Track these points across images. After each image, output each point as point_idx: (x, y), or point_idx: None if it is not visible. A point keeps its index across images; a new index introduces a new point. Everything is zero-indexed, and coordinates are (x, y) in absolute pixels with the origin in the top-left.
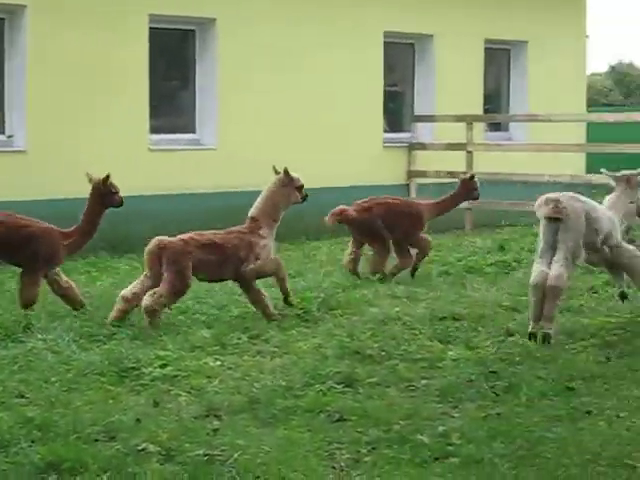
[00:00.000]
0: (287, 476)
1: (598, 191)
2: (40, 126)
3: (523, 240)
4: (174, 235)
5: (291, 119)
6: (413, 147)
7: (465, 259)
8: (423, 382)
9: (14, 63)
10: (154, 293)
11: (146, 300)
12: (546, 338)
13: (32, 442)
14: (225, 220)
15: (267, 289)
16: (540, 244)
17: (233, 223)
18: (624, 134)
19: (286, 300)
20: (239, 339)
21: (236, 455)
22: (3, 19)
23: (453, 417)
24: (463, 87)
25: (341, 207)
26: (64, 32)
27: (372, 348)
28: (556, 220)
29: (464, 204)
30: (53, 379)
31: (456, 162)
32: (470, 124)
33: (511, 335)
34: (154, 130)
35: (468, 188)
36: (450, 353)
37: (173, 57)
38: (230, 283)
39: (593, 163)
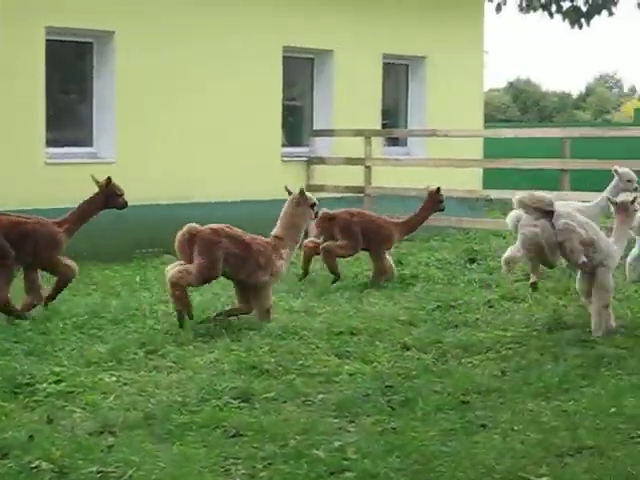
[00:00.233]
0: None
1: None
2: None
3: (420, 254)
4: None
5: (190, 133)
6: (311, 161)
7: (362, 273)
8: (320, 397)
9: None
10: (183, 268)
11: (172, 271)
12: None
13: None
14: (121, 234)
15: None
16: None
17: (129, 237)
18: (521, 150)
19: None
20: (135, 354)
21: (130, 472)
22: None
23: (349, 432)
24: (362, 102)
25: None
26: None
27: (269, 363)
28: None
29: None
30: None
31: (354, 177)
32: (368, 139)
33: (407, 349)
34: (51, 143)
35: (434, 200)
36: (347, 367)
37: (71, 70)
38: (128, 296)
39: (490, 178)
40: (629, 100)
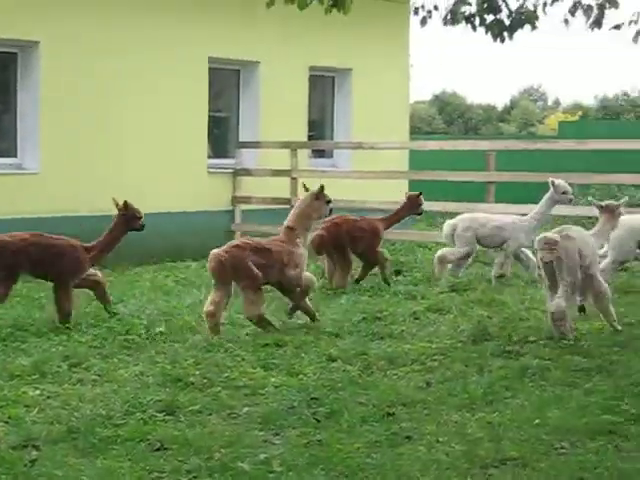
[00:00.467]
0: None
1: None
2: None
3: None
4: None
5: (116, 144)
6: (238, 173)
7: None
8: (245, 409)
9: None
10: (247, 305)
11: (246, 311)
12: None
13: None
14: None
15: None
16: (544, 281)
17: None
18: (446, 162)
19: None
20: (59, 367)
21: None
22: None
23: (274, 444)
24: (288, 114)
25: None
26: None
27: (194, 375)
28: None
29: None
30: None
31: (281, 188)
32: (295, 151)
33: (333, 361)
34: None
35: (413, 204)
36: (272, 380)
37: None
38: (52, 308)
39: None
40: (553, 113)
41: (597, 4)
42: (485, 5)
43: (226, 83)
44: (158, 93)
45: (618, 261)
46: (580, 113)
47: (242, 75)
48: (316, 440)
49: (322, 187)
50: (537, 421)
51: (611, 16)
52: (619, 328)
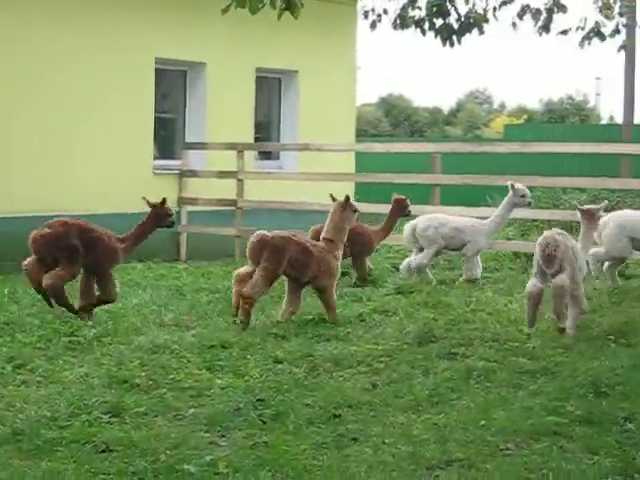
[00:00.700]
0: None
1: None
2: None
3: None
4: None
5: (61, 145)
6: (184, 174)
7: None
8: (191, 411)
9: None
10: (253, 283)
11: (245, 288)
12: (561, 332)
13: None
14: None
15: None
16: (535, 266)
17: None
18: (392, 164)
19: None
20: (3, 369)
21: None
22: None
23: (220, 446)
24: (234, 115)
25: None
26: None
27: (140, 377)
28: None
29: (233, 232)
30: None
31: (227, 190)
32: (241, 152)
33: (279, 363)
34: None
35: (401, 206)
36: (219, 381)
37: None
38: None
39: (361, 192)
40: (499, 116)
41: (546, 8)
42: (434, 9)
43: (173, 84)
44: (104, 93)
45: (611, 255)
46: (525, 116)
47: (189, 76)
48: (262, 442)
49: (347, 197)
50: (482, 422)
51: (559, 21)
52: (570, 333)
